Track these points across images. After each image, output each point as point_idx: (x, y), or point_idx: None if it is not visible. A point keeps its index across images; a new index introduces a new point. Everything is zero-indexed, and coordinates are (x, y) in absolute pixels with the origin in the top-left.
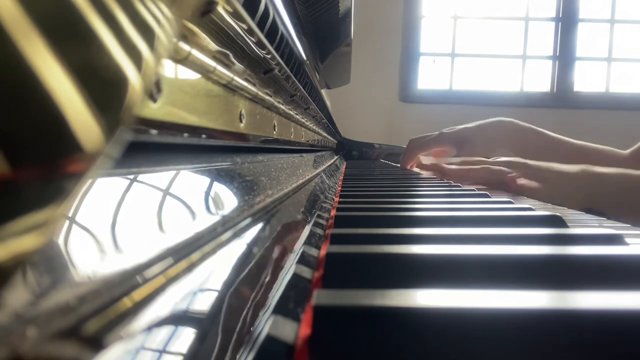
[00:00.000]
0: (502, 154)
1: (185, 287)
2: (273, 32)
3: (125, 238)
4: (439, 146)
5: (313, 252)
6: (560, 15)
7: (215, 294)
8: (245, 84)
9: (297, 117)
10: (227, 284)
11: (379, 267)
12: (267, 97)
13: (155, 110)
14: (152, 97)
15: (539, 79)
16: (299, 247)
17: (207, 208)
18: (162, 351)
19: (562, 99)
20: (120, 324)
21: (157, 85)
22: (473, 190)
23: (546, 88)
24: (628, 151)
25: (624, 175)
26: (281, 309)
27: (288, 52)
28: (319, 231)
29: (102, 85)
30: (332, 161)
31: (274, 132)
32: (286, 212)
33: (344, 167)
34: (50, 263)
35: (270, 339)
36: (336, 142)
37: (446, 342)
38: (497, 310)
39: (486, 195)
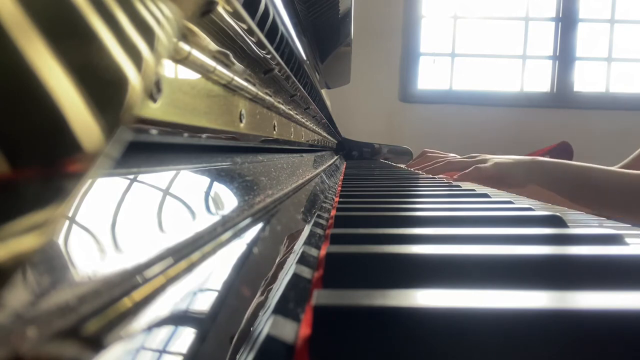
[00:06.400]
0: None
1: (185, 287)
2: (273, 32)
3: (125, 238)
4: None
5: (313, 252)
6: (560, 15)
7: (215, 294)
8: (245, 84)
9: (297, 117)
10: (227, 284)
11: (379, 267)
12: (267, 97)
13: (155, 110)
14: (152, 97)
15: (539, 79)
16: (299, 247)
17: (207, 208)
18: (162, 351)
19: (562, 99)
20: (120, 324)
21: (157, 85)
22: (473, 190)
23: (546, 88)
24: None
25: (569, 166)
26: (281, 309)
27: (288, 52)
28: (319, 231)
29: (102, 85)
30: (332, 161)
31: (274, 132)
32: (286, 212)
33: (344, 167)
34: (50, 263)
35: (270, 339)
36: (336, 142)
37: (446, 342)
38: (497, 310)
39: (486, 196)
